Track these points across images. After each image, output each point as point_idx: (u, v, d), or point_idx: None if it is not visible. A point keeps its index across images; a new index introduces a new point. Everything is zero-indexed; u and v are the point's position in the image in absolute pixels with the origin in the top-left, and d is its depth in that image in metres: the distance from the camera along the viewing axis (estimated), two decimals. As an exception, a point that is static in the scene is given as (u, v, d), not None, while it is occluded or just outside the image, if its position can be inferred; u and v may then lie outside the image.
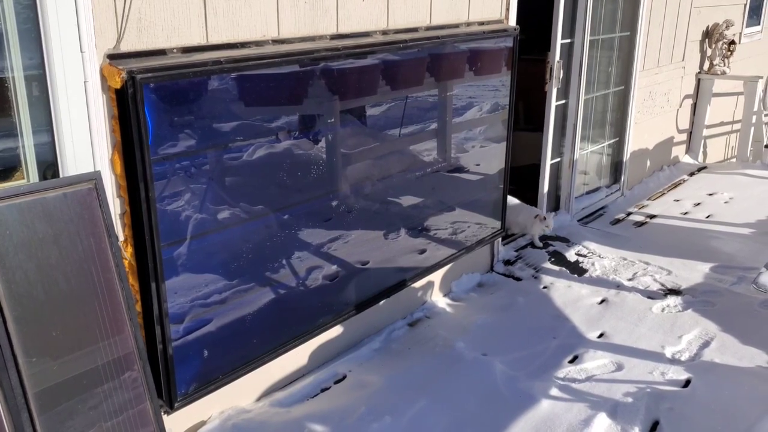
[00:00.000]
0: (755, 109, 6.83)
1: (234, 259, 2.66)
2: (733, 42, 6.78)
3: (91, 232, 2.04)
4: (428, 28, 3.36)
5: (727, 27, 6.69)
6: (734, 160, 7.37)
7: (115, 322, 2.09)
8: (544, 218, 4.59)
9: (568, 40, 4.75)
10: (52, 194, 1.98)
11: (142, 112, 2.15)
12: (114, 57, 2.17)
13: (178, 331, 2.49)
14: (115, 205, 2.27)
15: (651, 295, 4.02)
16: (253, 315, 2.77)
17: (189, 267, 2.49)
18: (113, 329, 2.09)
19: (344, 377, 3.19)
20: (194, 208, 2.48)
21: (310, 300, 3.03)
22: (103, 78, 2.15)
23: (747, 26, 7.54)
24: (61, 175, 2.14)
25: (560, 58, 4.65)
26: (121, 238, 2.30)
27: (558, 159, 5.04)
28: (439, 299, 3.96)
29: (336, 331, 3.29)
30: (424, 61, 3.36)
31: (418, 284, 3.74)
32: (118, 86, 2.12)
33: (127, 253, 2.32)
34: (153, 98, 2.20)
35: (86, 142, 2.17)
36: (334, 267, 3.12)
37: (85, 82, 2.12)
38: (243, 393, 2.93)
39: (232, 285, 2.67)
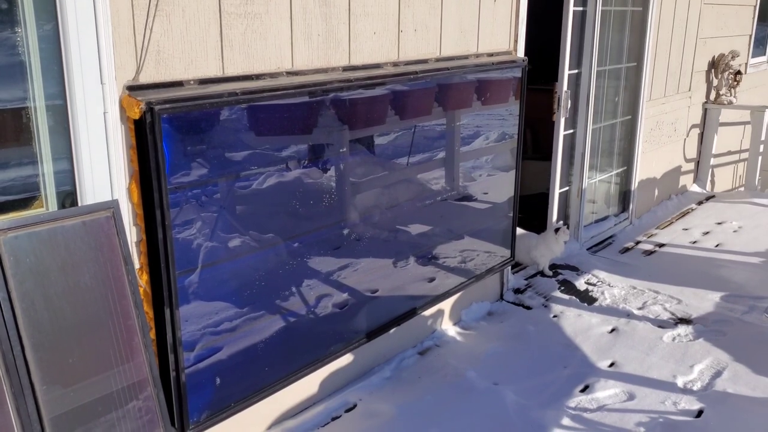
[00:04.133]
0: (762, 138, 6.86)
1: (244, 287, 2.68)
2: (739, 72, 6.84)
3: (109, 260, 2.07)
4: (438, 60, 3.42)
5: (733, 57, 6.76)
6: (742, 188, 7.38)
7: (130, 349, 2.11)
8: (557, 230, 4.59)
9: (576, 71, 4.81)
10: (71, 222, 2.01)
11: (159, 142, 2.20)
12: (133, 88, 2.22)
13: (190, 358, 2.50)
14: (131, 234, 2.31)
15: (661, 324, 4.01)
16: (263, 343, 2.78)
17: (200, 295, 2.52)
18: (128, 356, 2.11)
19: (355, 406, 3.18)
20: (206, 236, 2.51)
21: (321, 328, 3.04)
22: (122, 109, 2.20)
23: (753, 56, 7.60)
24: (79, 204, 2.18)
25: (568, 88, 4.70)
26: (137, 265, 2.33)
27: (567, 188, 5.07)
28: (449, 328, 3.96)
29: (346, 359, 3.29)
30: (434, 91, 3.41)
31: (427, 312, 3.74)
32: (137, 117, 2.17)
33: (143, 280, 2.35)
34: (170, 129, 2.25)
35: (104, 171, 2.21)
36: (344, 295, 3.13)
37: (104, 112, 2.17)
38: (254, 421, 2.93)
39: (243, 313, 2.68)
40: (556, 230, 4.60)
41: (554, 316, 4.14)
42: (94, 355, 2.03)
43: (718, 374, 3.44)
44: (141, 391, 2.14)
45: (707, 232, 5.67)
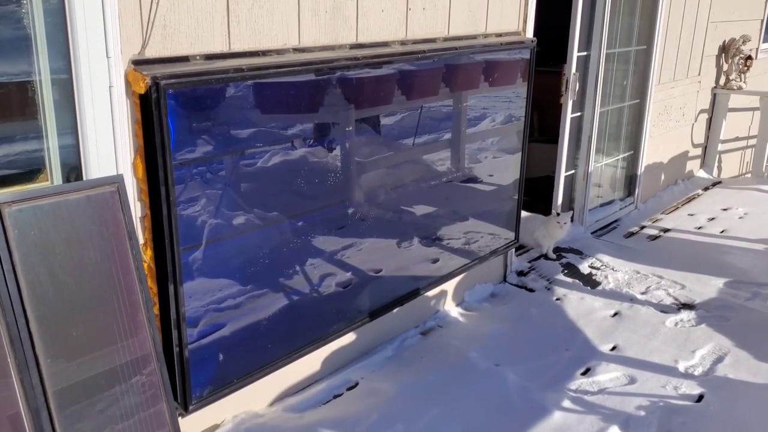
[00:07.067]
0: (771, 124, 6.80)
1: (248, 265, 2.68)
2: (749, 57, 6.77)
3: (113, 235, 2.07)
4: (446, 39, 3.39)
5: (744, 42, 6.68)
6: (749, 175, 7.33)
7: (134, 324, 2.12)
8: (557, 219, 4.58)
9: (585, 53, 4.76)
10: (76, 196, 2.01)
11: (165, 117, 2.19)
12: (139, 63, 2.20)
13: (193, 334, 2.51)
14: (136, 209, 2.31)
15: (664, 309, 4.01)
16: (267, 320, 2.79)
17: (204, 272, 2.52)
18: (132, 331, 2.12)
19: (357, 384, 3.20)
20: (211, 213, 2.51)
21: (324, 306, 3.05)
22: (128, 83, 2.19)
23: (764, 41, 7.51)
24: (84, 178, 2.17)
25: (576, 71, 4.67)
26: (141, 240, 2.33)
27: (572, 171, 5.05)
28: (451, 308, 3.97)
29: (349, 338, 3.30)
30: (441, 71, 3.38)
31: (431, 293, 3.75)
32: (143, 91, 2.16)
33: (147, 256, 2.35)
34: (175, 104, 2.23)
35: (109, 145, 2.20)
36: (348, 274, 3.14)
37: (110, 86, 2.15)
38: (256, 397, 2.95)
39: (246, 290, 2.69)
40: (558, 214, 4.61)
41: (557, 299, 4.14)
42: (98, 330, 2.04)
43: (719, 360, 3.45)
44: (144, 366, 2.16)
45: (713, 218, 5.65)
